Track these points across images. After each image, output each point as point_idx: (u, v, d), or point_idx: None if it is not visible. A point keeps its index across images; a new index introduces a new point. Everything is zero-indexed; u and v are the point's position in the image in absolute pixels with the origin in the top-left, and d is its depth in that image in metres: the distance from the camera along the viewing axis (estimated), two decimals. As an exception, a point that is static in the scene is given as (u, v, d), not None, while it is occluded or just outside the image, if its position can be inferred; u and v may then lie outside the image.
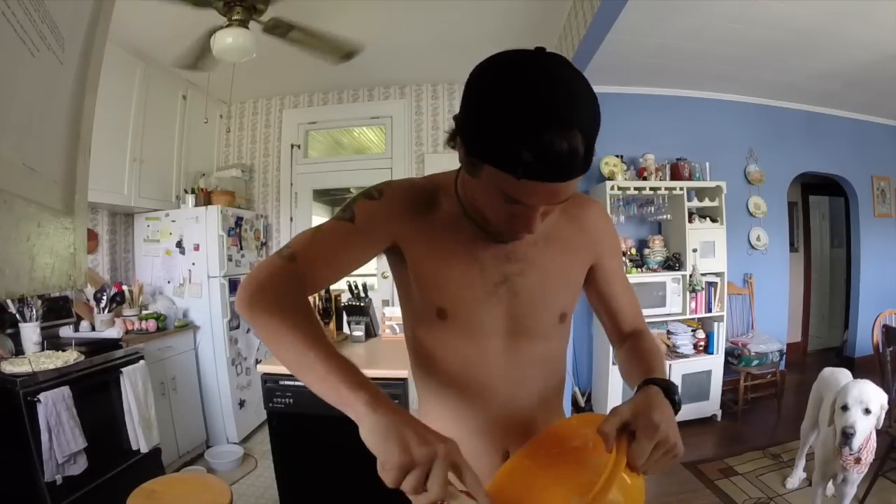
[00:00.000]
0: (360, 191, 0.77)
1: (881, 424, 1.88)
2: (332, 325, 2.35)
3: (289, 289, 0.65)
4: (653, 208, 3.48)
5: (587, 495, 0.52)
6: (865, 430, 1.85)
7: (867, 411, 1.84)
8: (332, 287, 2.41)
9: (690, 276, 3.37)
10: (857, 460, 1.88)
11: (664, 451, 0.58)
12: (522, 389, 0.79)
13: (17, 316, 2.24)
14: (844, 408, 1.88)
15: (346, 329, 2.44)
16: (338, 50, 2.51)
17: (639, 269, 3.43)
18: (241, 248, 3.35)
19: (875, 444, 1.92)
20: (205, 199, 3.30)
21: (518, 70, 0.55)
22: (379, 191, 0.75)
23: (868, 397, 1.86)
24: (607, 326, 0.89)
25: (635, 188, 3.38)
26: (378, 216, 0.74)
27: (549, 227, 0.74)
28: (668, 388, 0.63)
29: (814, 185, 5.02)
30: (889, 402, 2.33)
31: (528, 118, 0.53)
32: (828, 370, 2.40)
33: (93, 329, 2.65)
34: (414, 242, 0.75)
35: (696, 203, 3.50)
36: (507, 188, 0.59)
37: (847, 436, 1.83)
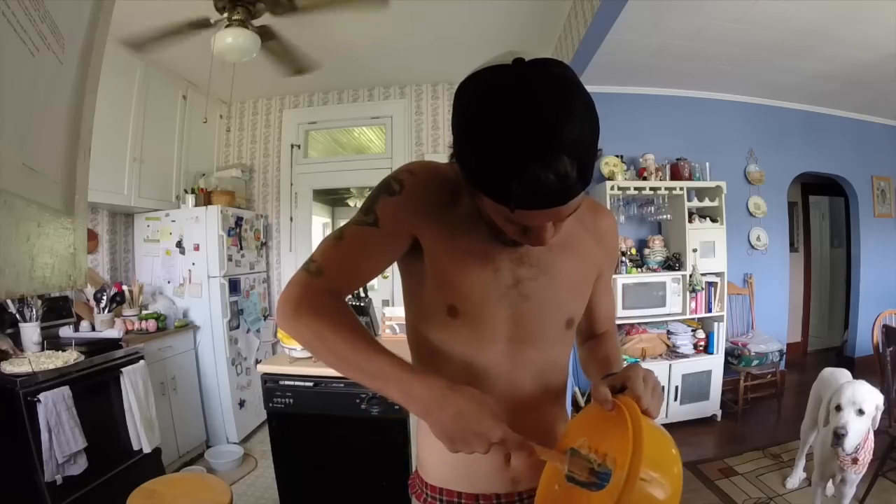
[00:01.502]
0: (380, 184, 0.74)
1: (877, 425, 1.87)
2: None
3: (325, 305, 0.68)
4: (653, 208, 3.48)
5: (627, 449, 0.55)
6: (859, 430, 1.84)
7: (861, 412, 1.83)
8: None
9: (690, 276, 3.37)
10: (855, 460, 1.88)
11: (654, 390, 0.65)
12: (525, 392, 0.79)
13: (17, 316, 2.24)
14: (838, 408, 1.88)
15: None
16: (294, 65, 2.61)
17: (639, 269, 3.43)
18: (241, 248, 3.35)
19: (873, 445, 1.91)
20: (205, 199, 3.30)
21: (495, 98, 0.53)
22: (400, 182, 0.73)
23: (861, 398, 1.85)
24: (581, 326, 0.90)
25: (635, 188, 3.38)
26: (400, 213, 0.72)
27: (565, 235, 0.73)
28: None
29: (814, 185, 5.02)
30: (888, 402, 2.33)
31: (509, 155, 0.52)
32: (827, 370, 2.40)
33: (93, 329, 2.65)
34: (434, 237, 0.74)
35: (696, 203, 3.49)
36: (507, 214, 0.59)
37: (838, 436, 1.83)
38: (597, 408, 0.66)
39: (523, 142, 0.51)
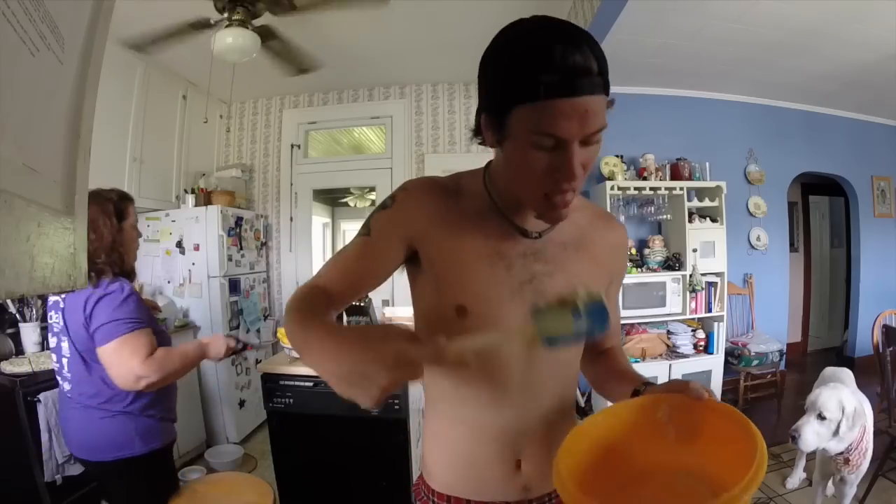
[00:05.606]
0: (380, 202, 0.80)
1: (843, 431, 1.82)
2: (332, 325, 2.36)
3: (310, 305, 0.70)
4: (653, 208, 3.48)
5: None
6: (819, 433, 1.83)
7: (821, 417, 1.83)
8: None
9: (690, 276, 3.37)
10: (846, 461, 1.88)
11: None
12: (538, 394, 0.77)
13: (17, 316, 2.24)
14: (804, 409, 1.90)
15: (346, 329, 2.44)
16: (295, 64, 2.65)
17: (639, 269, 3.43)
18: (241, 248, 3.35)
19: (869, 447, 1.91)
20: (205, 198, 3.30)
21: (520, 21, 0.61)
22: (392, 197, 0.77)
23: (822, 404, 1.83)
24: (586, 342, 0.87)
25: (635, 188, 3.38)
26: (391, 223, 0.75)
27: (580, 236, 0.77)
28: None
29: (814, 185, 5.02)
30: (888, 403, 2.33)
31: (537, 43, 0.57)
32: (829, 369, 2.40)
33: (93, 329, 2.64)
34: (432, 239, 0.74)
35: (696, 203, 3.50)
36: (536, 123, 0.58)
37: (792, 437, 1.88)
38: (640, 408, 0.66)
39: (549, 31, 0.58)
